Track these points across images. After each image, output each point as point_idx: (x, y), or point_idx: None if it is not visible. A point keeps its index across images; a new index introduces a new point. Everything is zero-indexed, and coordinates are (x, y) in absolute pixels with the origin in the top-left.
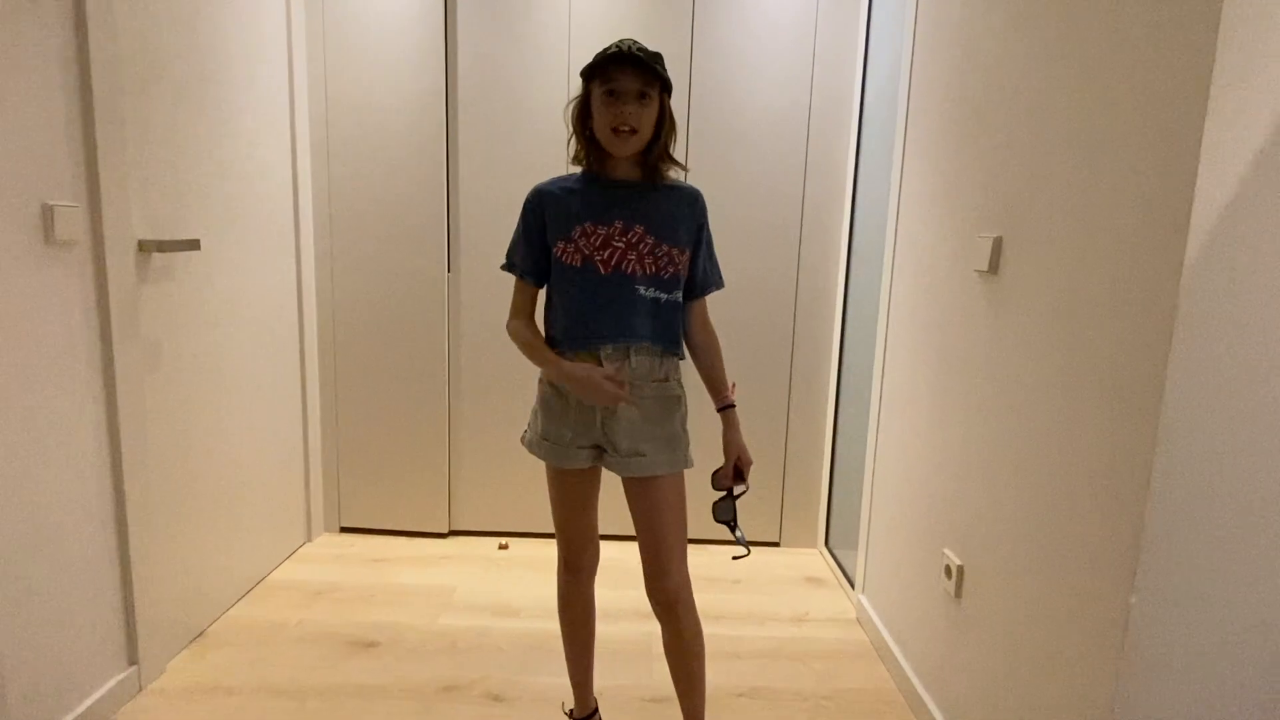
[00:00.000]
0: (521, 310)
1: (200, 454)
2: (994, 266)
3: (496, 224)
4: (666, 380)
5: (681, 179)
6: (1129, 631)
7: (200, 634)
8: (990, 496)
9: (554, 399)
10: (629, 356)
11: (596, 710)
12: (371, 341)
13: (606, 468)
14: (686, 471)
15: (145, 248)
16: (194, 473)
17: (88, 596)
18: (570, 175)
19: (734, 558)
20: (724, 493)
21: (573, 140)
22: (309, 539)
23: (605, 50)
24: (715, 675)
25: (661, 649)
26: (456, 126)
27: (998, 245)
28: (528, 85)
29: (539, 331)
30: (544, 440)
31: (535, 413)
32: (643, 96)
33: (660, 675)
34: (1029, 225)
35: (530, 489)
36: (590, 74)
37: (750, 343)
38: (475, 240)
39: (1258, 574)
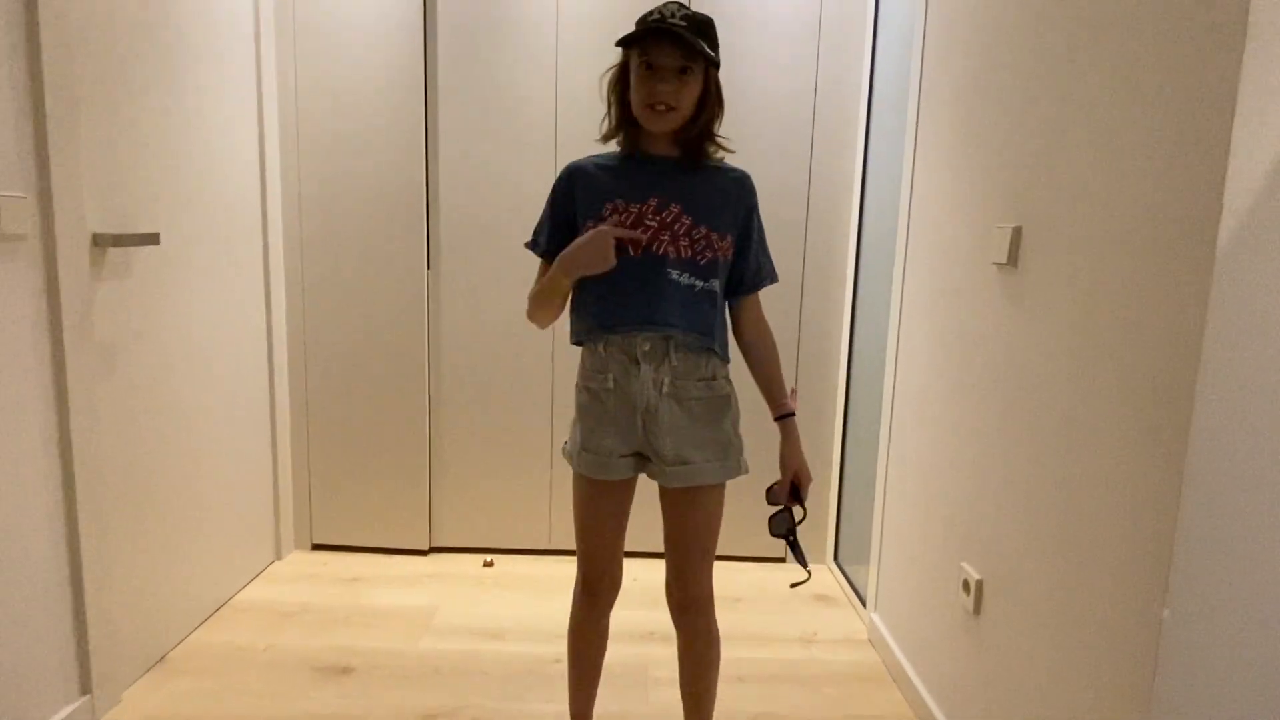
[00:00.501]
0: None
1: (159, 465)
2: (1013, 259)
3: (480, 217)
4: (714, 379)
5: (721, 160)
6: (1162, 648)
7: (160, 660)
8: (1011, 505)
9: (591, 404)
10: (669, 353)
11: None
12: (346, 344)
13: (650, 476)
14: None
15: (100, 242)
16: (153, 485)
17: (35, 620)
18: (608, 153)
19: (793, 584)
20: (779, 507)
21: (607, 114)
22: (278, 557)
23: (646, 16)
24: (719, 700)
25: (659, 675)
26: (436, 114)
27: (1017, 236)
28: (512, 70)
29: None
30: (584, 451)
31: (574, 422)
32: (684, 71)
33: (656, 702)
34: (1050, 214)
35: (516, 502)
36: (628, 43)
37: None
38: (457, 234)
39: None
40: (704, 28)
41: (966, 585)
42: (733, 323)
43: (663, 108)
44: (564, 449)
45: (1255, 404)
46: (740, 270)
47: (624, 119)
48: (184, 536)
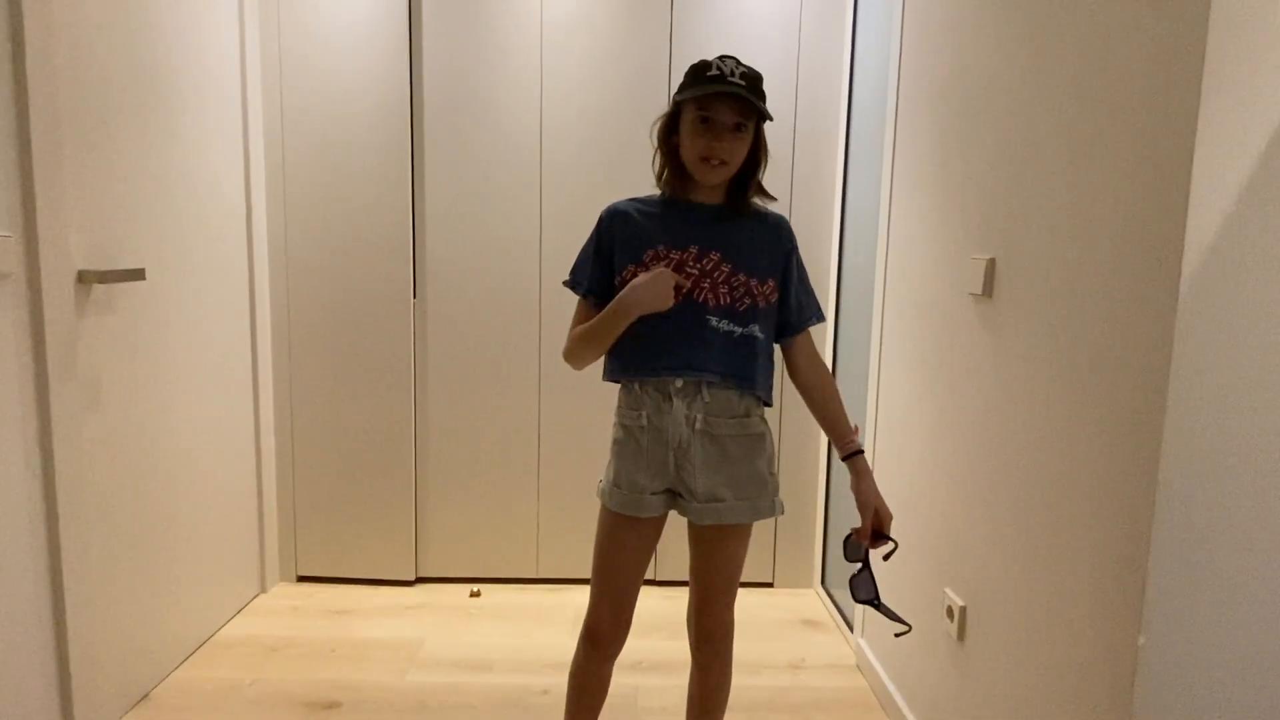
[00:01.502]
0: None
1: (143, 500)
2: (988, 289)
3: (466, 247)
4: (748, 416)
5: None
6: (1138, 674)
7: (144, 697)
8: (991, 531)
9: (625, 440)
10: (700, 390)
11: None
12: (331, 375)
13: (680, 513)
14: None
15: (85, 279)
16: (136, 520)
17: (16, 657)
18: (649, 196)
19: (896, 635)
20: (860, 564)
21: (656, 157)
22: (263, 590)
23: (703, 69)
24: None
25: (649, 704)
26: (422, 141)
27: (991, 267)
28: (498, 94)
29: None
30: (615, 488)
31: (610, 461)
32: (739, 128)
33: None
34: (1022, 246)
35: (504, 532)
36: (684, 94)
37: None
38: (444, 264)
39: (1270, 608)
40: (757, 83)
41: (950, 612)
42: (787, 366)
43: (717, 162)
44: (599, 487)
45: (1222, 427)
46: (784, 313)
47: (673, 167)
48: (168, 571)
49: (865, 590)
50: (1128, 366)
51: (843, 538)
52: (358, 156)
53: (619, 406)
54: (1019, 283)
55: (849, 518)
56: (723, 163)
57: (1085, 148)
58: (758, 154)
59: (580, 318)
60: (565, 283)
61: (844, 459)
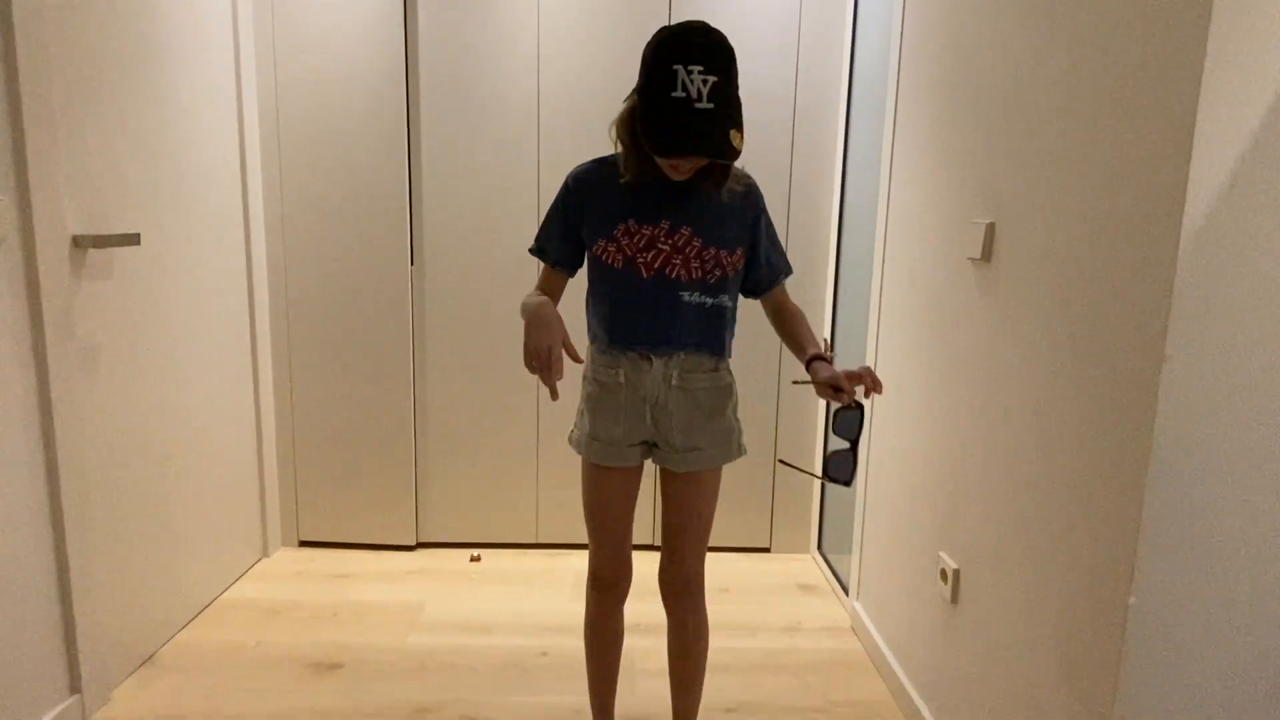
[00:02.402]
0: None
1: (144, 464)
2: (987, 254)
3: (463, 212)
4: (716, 370)
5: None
6: (1128, 633)
7: (149, 659)
8: (986, 495)
9: (601, 395)
10: (677, 352)
11: None
12: (330, 342)
13: (657, 462)
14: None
15: (80, 243)
16: (138, 484)
17: (21, 620)
18: (614, 161)
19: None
20: (849, 442)
21: (618, 144)
22: (265, 554)
23: (668, 82)
24: (704, 689)
25: (646, 666)
26: (418, 109)
27: (990, 232)
28: (495, 59)
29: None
30: (593, 440)
31: (581, 411)
32: None
33: (644, 693)
34: (1022, 210)
35: (504, 497)
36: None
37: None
38: (440, 231)
39: (1258, 568)
40: (730, 79)
41: (944, 574)
42: (768, 315)
43: (684, 173)
44: (570, 437)
45: (1216, 392)
46: (754, 274)
47: (638, 155)
48: (170, 535)
49: (845, 472)
50: (1125, 331)
51: (832, 414)
52: (353, 121)
53: (591, 363)
54: (1019, 247)
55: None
56: (691, 169)
57: (1086, 111)
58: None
59: (545, 278)
60: (531, 250)
61: (808, 363)
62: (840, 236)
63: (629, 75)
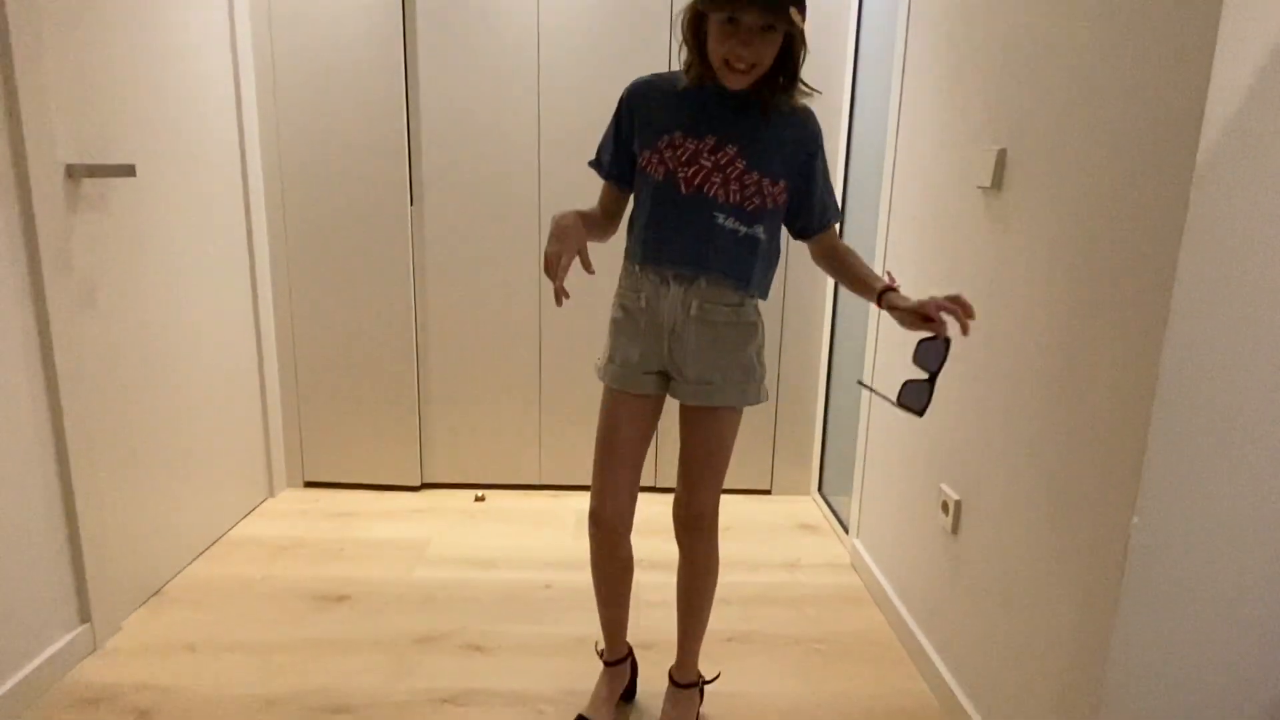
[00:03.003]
0: (600, 210)
1: (146, 400)
2: (997, 182)
3: (462, 151)
4: (741, 305)
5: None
6: (1130, 552)
7: (157, 591)
8: (989, 425)
9: (622, 319)
10: (699, 278)
11: (631, 654)
12: (330, 281)
13: (671, 394)
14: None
15: (74, 173)
16: (141, 421)
17: (29, 551)
18: (673, 75)
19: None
20: (930, 374)
21: (683, 49)
22: (271, 494)
23: None
24: None
25: (650, 598)
26: (415, 42)
27: (1001, 159)
28: None
29: (590, 217)
30: (610, 363)
31: (608, 338)
32: (767, 29)
33: (647, 622)
34: (1034, 136)
35: (507, 438)
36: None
37: None
38: (440, 169)
39: (1261, 490)
40: None
41: (945, 506)
42: (819, 260)
43: (742, 66)
44: (596, 364)
45: (1224, 320)
46: (807, 215)
47: (700, 60)
48: (174, 472)
49: (920, 401)
50: (1136, 258)
51: (917, 343)
52: (349, 56)
53: (620, 288)
54: (1029, 175)
55: (848, 428)
56: (750, 66)
57: (1101, 33)
58: (794, 50)
59: (603, 196)
60: (590, 163)
61: (880, 296)
62: (848, 166)
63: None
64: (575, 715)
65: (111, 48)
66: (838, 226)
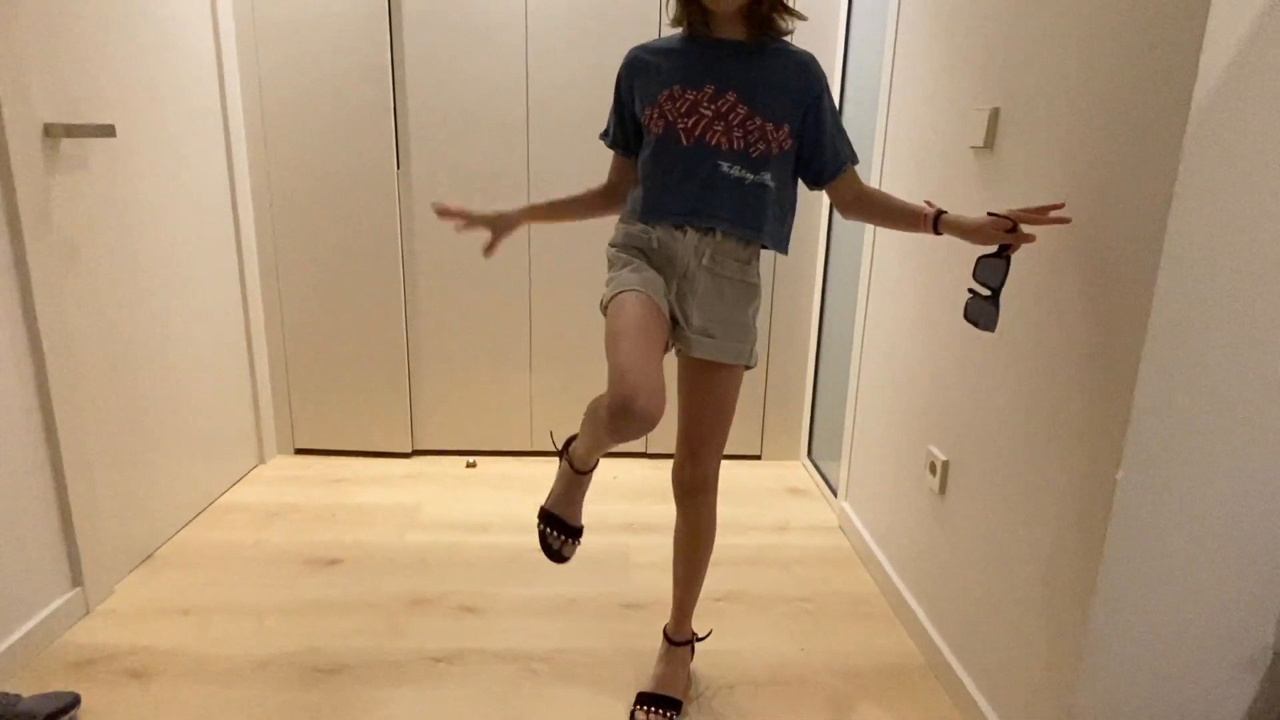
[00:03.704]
0: (607, 186)
1: (134, 365)
2: (990, 142)
3: (449, 114)
4: (749, 264)
5: (791, 32)
6: (1115, 506)
7: (149, 556)
8: (978, 385)
9: (634, 255)
10: (714, 229)
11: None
12: (317, 247)
13: (674, 341)
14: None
15: (53, 132)
16: (129, 386)
17: (18, 516)
18: (672, 35)
19: (971, 319)
20: (991, 290)
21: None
22: (261, 461)
23: None
24: None
25: (640, 560)
26: (400, 4)
27: (994, 118)
28: None
29: (575, 200)
30: (631, 273)
31: (614, 273)
32: None
33: (637, 584)
34: (1028, 96)
35: (498, 405)
36: None
37: None
38: (427, 132)
39: (1246, 445)
40: None
41: (933, 467)
42: (848, 209)
43: None
44: (601, 303)
45: (1214, 283)
46: (819, 160)
47: (685, 3)
48: (164, 438)
49: (986, 317)
50: (1126, 217)
51: (980, 259)
52: (333, 9)
53: (622, 233)
54: (1023, 135)
55: (837, 393)
56: None
57: None
58: None
59: (612, 167)
60: (600, 136)
61: (934, 222)
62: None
63: None
64: (539, 509)
65: (89, 5)
66: (858, 171)
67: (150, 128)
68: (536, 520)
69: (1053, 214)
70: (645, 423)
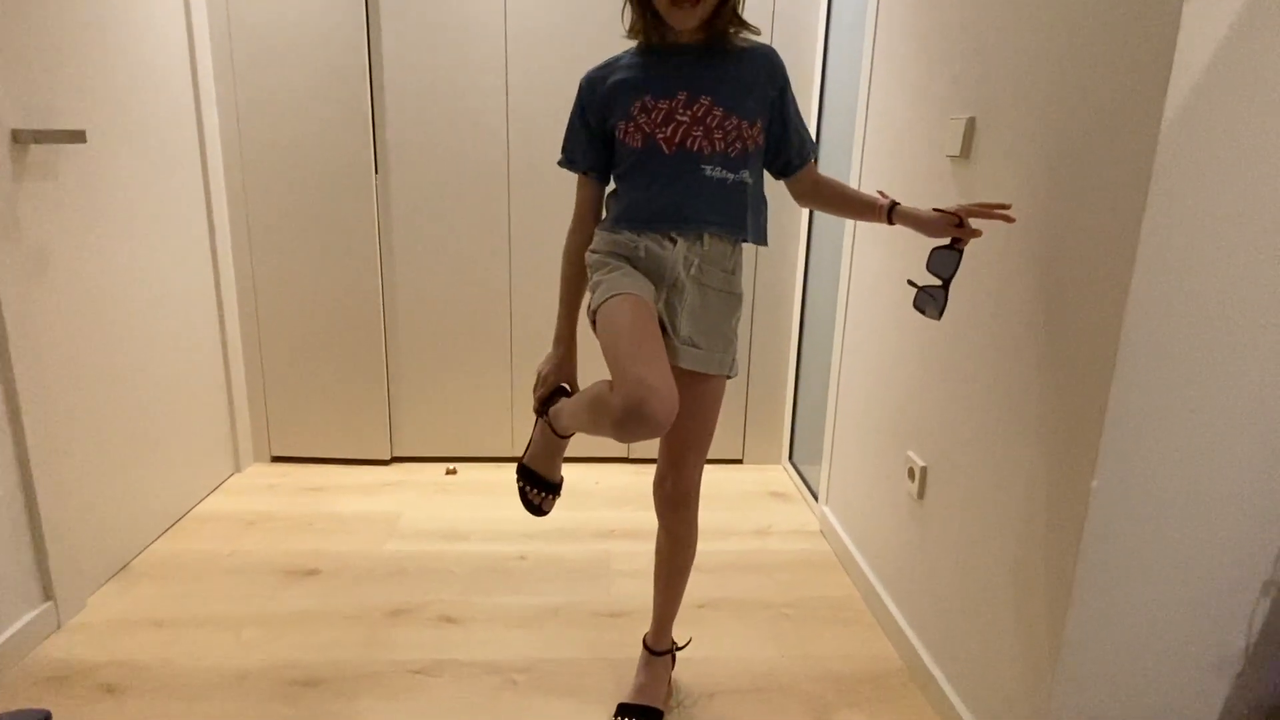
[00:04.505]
0: (584, 218)
1: (106, 374)
2: (966, 151)
3: (428, 118)
4: (734, 274)
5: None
6: (1090, 514)
7: (123, 568)
8: (955, 392)
9: (620, 264)
10: (702, 236)
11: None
12: (294, 252)
13: None
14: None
15: (21, 138)
16: (100, 395)
17: None
18: (622, 54)
19: (919, 307)
20: (941, 282)
21: (626, 8)
22: (237, 469)
23: None
24: None
25: (621, 568)
26: (378, 6)
27: (970, 128)
28: None
29: (583, 266)
30: (622, 277)
31: (597, 284)
32: None
33: (619, 591)
34: (1003, 105)
35: (478, 411)
36: None
37: None
38: (405, 137)
39: (1218, 455)
40: None
41: (911, 473)
42: (805, 197)
43: (688, 3)
44: (588, 308)
45: (1187, 293)
46: (787, 150)
47: (643, 14)
48: (137, 447)
49: (934, 306)
50: (1100, 228)
51: (933, 251)
52: (309, 17)
53: (606, 243)
54: (998, 144)
55: (818, 397)
56: (694, 2)
57: (1069, 1)
58: None
59: (583, 194)
60: (560, 163)
61: (889, 213)
62: (819, 136)
63: None
64: (517, 464)
65: (59, 10)
66: (814, 162)
67: (123, 133)
68: (515, 476)
69: (998, 212)
70: (658, 427)
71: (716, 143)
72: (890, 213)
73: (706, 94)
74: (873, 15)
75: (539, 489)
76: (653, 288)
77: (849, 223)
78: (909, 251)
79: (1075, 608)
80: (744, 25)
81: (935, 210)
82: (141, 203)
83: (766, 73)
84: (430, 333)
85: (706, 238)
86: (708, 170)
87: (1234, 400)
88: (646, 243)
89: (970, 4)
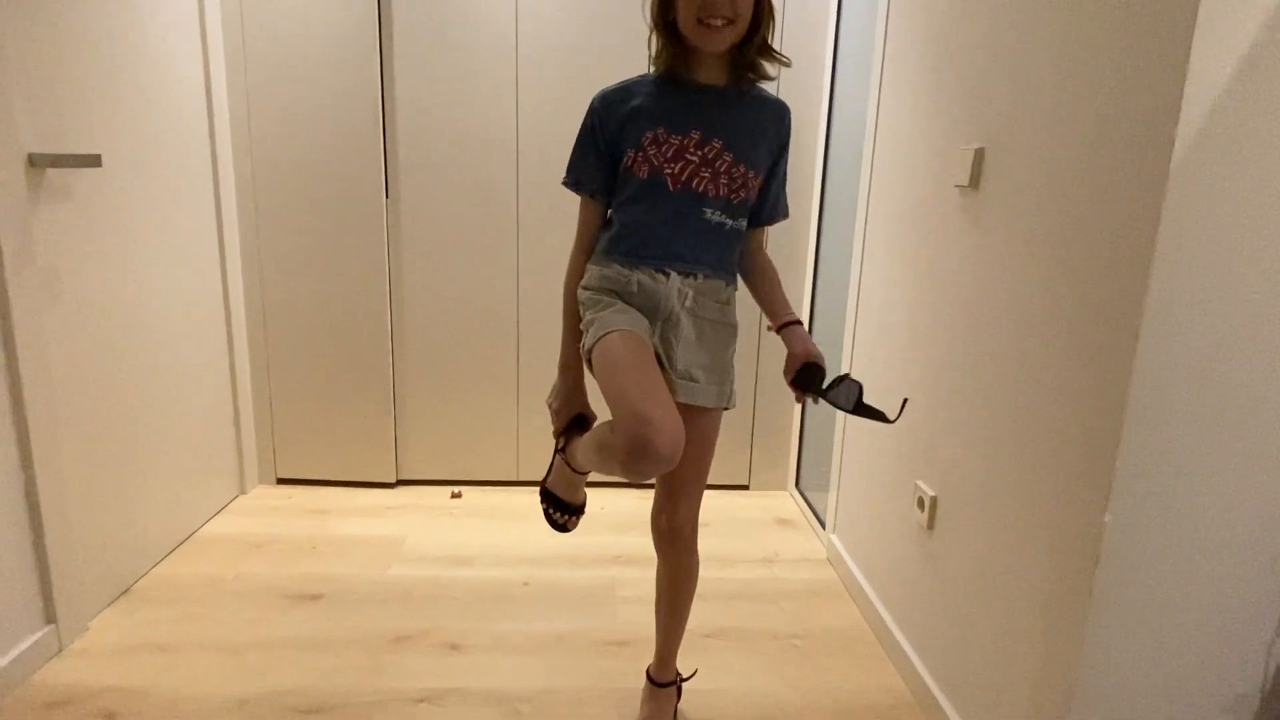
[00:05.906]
0: (587, 240)
1: (114, 396)
2: (975, 181)
3: (439, 142)
4: (728, 305)
5: (775, 79)
6: (1103, 549)
7: (126, 590)
8: (966, 422)
9: (613, 300)
10: (694, 272)
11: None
12: (304, 275)
13: None
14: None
15: (37, 162)
16: (108, 417)
17: None
18: (640, 78)
19: (886, 420)
20: (844, 377)
21: (652, 35)
22: (243, 491)
23: None
24: None
25: (626, 594)
26: (391, 24)
27: (979, 158)
28: None
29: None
30: (616, 314)
31: (592, 319)
32: None
33: (624, 618)
34: (1012, 135)
35: (484, 434)
36: None
37: None
38: (416, 161)
39: (1232, 488)
40: None
41: (921, 502)
42: (743, 251)
43: (719, 22)
44: (583, 348)
45: (1200, 324)
46: (760, 205)
47: (669, 40)
48: (143, 469)
49: (848, 399)
50: (1112, 259)
51: (829, 384)
52: (322, 41)
53: (599, 276)
54: (1007, 174)
55: (824, 424)
56: (727, 22)
57: (1079, 33)
58: (764, 9)
59: (586, 216)
60: (565, 183)
61: (780, 329)
62: (826, 163)
63: None
64: (540, 487)
65: (76, 35)
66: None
67: (137, 157)
68: (539, 499)
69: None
70: (666, 461)
71: (722, 187)
72: (783, 327)
73: (719, 137)
74: (880, 45)
75: (562, 512)
76: (647, 322)
77: (857, 250)
78: (919, 280)
79: (1088, 644)
80: (773, 56)
81: (794, 357)
82: (154, 225)
83: (776, 127)
84: (437, 356)
85: (701, 276)
86: (709, 213)
87: (1250, 434)
88: (640, 276)
89: (979, 33)
